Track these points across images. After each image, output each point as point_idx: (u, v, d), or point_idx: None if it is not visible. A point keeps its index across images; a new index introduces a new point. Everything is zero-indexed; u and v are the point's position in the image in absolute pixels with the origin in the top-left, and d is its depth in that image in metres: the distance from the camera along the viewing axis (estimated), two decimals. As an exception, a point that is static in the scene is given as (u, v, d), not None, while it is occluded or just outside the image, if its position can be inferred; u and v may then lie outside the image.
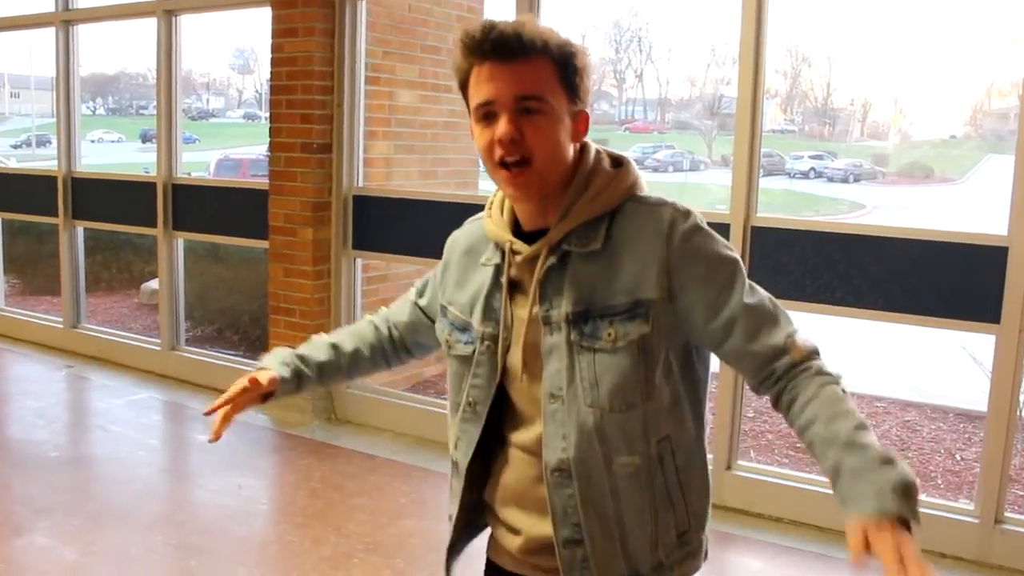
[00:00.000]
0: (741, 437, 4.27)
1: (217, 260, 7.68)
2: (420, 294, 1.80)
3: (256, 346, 6.58)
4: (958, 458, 5.29)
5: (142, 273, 8.87)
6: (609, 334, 1.45)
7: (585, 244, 1.48)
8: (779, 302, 1.51)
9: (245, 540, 3.78)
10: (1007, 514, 3.70)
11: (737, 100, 3.98)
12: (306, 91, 5.02)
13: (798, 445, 5.42)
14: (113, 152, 22.91)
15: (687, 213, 1.49)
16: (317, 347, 1.85)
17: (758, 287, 1.51)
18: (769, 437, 5.57)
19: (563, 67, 1.45)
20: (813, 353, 1.46)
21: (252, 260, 6.96)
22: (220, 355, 6.11)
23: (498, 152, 1.44)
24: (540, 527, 1.53)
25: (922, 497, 4.17)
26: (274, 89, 5.16)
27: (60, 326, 6.74)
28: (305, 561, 3.55)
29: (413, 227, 4.89)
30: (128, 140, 25.49)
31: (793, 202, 18.54)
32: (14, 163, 12.08)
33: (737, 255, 1.52)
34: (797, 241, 3.95)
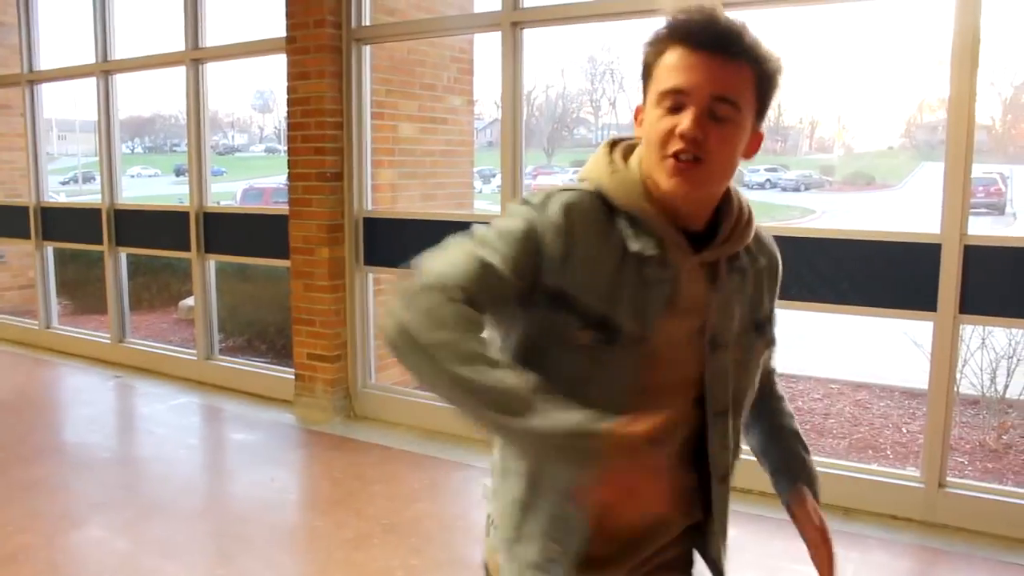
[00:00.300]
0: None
1: (245, 279, 7.65)
2: (510, 267, 1.19)
3: (281, 353, 6.56)
4: (904, 431, 5.29)
5: (179, 292, 8.84)
6: (758, 349, 1.37)
7: (753, 260, 1.33)
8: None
9: (277, 526, 3.76)
10: (949, 479, 3.70)
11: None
12: (319, 127, 5.02)
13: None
14: (150, 185, 22.94)
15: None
16: None
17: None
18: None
19: (763, 82, 1.22)
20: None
21: (275, 277, 6.93)
22: (250, 362, 6.08)
23: (675, 145, 1.18)
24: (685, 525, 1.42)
25: (874, 466, 4.19)
26: (291, 126, 5.15)
27: (108, 341, 6.72)
28: (331, 543, 3.54)
29: (417, 244, 4.80)
30: (163, 174, 25.51)
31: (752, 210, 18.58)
32: (63, 198, 12.04)
33: None
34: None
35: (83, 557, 3.46)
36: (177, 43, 5.83)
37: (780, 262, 1.40)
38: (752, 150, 1.26)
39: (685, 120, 1.16)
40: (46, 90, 7.09)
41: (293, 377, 5.37)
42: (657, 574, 1.39)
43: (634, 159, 1.27)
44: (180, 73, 5.85)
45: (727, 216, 1.28)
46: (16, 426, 5.07)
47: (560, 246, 1.19)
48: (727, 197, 1.29)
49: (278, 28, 5.12)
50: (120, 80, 6.49)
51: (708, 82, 1.16)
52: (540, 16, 4.38)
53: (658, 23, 1.22)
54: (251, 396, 5.67)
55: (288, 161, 5.19)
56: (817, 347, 7.95)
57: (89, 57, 6.43)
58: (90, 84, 6.48)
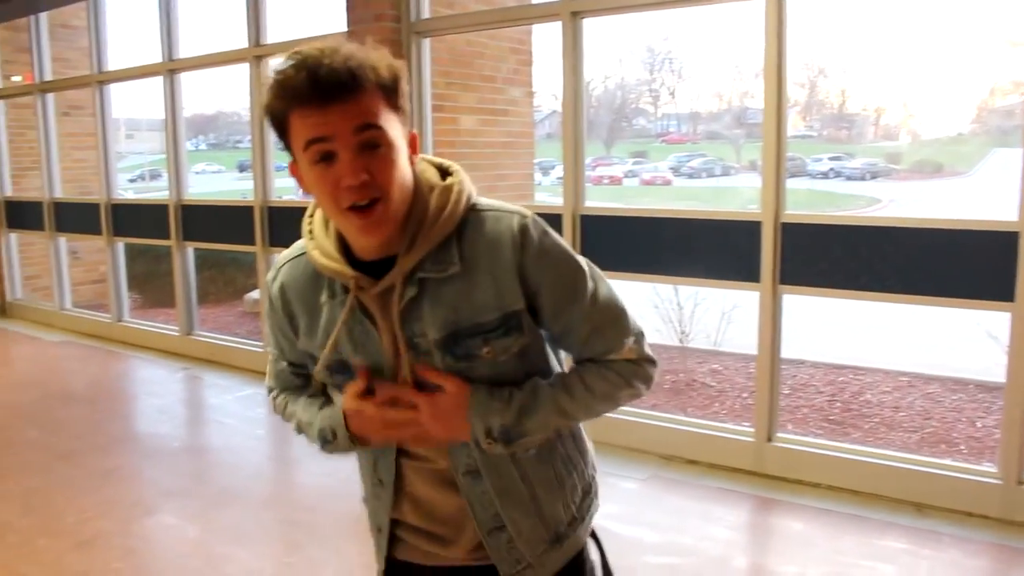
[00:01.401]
0: (779, 412, 4.21)
1: (308, 272, 7.76)
2: (283, 355, 1.51)
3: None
4: (979, 425, 5.15)
5: (245, 286, 9.01)
6: (487, 351, 1.30)
7: (443, 269, 1.27)
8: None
9: (344, 516, 3.81)
10: (1028, 475, 3.60)
11: (763, 110, 3.92)
12: (380, 120, 5.05)
13: (830, 417, 5.33)
14: (215, 181, 23.37)
15: (534, 219, 1.32)
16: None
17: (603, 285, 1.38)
18: (804, 411, 5.47)
19: (386, 90, 1.22)
20: (642, 359, 1.40)
21: (338, 270, 7.01)
22: (314, 354, 6.16)
23: (348, 198, 1.19)
24: (463, 530, 1.43)
25: (947, 461, 4.10)
26: (352, 120, 5.20)
27: (176, 334, 6.88)
28: (396, 532, 3.57)
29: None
30: (227, 170, 25.96)
31: (816, 200, 18.22)
32: (132, 195, 12.35)
33: (583, 261, 1.37)
34: (823, 234, 3.88)
35: (157, 543, 3.55)
36: (240, 41, 5.93)
37: (516, 243, 1.28)
38: (414, 150, 1.28)
39: (343, 170, 1.18)
40: (115, 90, 7.28)
41: (356, 369, 5.42)
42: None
43: (318, 217, 1.37)
44: (243, 70, 5.95)
45: (409, 228, 1.27)
46: (91, 416, 5.23)
47: (287, 321, 1.43)
48: (415, 203, 1.28)
49: (339, 23, 5.18)
50: (185, 79, 6.62)
51: (344, 123, 1.17)
52: (599, 5, 4.34)
53: (276, 80, 1.20)
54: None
55: (350, 155, 5.23)
56: (886, 339, 7.78)
57: (155, 57, 6.59)
58: (156, 83, 6.63)
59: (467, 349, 1.29)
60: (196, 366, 6.43)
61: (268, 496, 4.09)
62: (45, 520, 3.68)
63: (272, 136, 6.19)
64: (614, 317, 1.37)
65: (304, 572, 3.26)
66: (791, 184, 4.11)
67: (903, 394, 5.78)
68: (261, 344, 6.18)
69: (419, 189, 1.29)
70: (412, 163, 1.28)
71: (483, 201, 1.34)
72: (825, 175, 21.99)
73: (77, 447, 4.60)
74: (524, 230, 1.29)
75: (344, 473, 4.31)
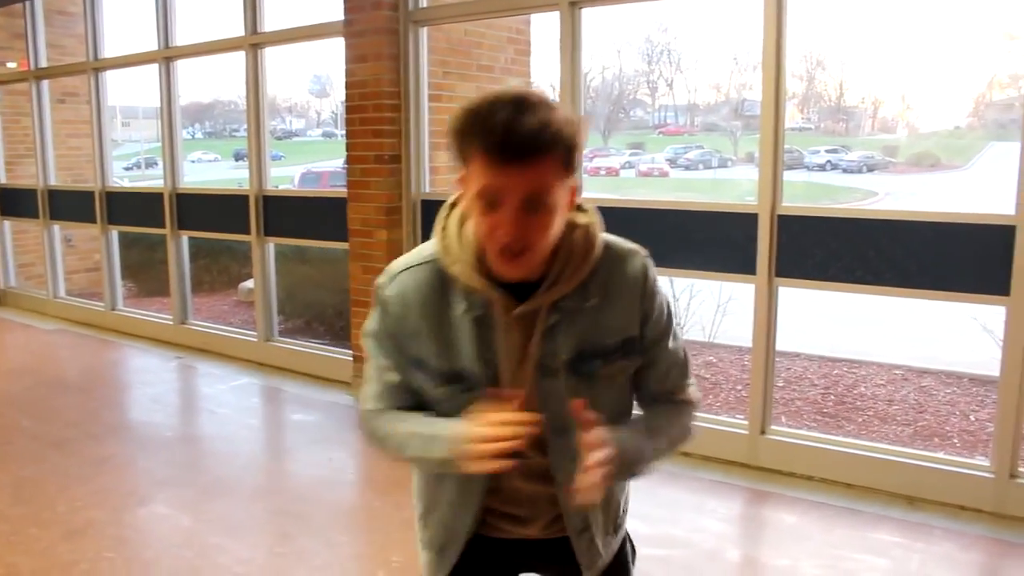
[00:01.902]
0: (773, 404, 4.20)
1: (304, 261, 7.74)
2: (394, 368, 1.48)
3: (340, 335, 6.62)
4: (972, 419, 5.15)
5: (239, 274, 8.98)
6: (607, 371, 1.43)
7: (583, 301, 1.39)
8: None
9: (336, 506, 3.81)
10: (1021, 469, 3.59)
11: (761, 102, 3.90)
12: (377, 109, 5.03)
13: (824, 410, 5.33)
14: (210, 170, 23.34)
15: (648, 257, 1.47)
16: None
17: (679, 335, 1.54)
18: (798, 404, 5.47)
19: (568, 154, 1.28)
20: (695, 401, 1.57)
21: (334, 260, 7.00)
22: (309, 344, 6.16)
23: (500, 241, 1.28)
24: (542, 512, 1.54)
25: (940, 454, 4.10)
26: (348, 109, 5.18)
27: (170, 323, 6.86)
28: (388, 523, 3.57)
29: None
30: (223, 159, 25.91)
31: (813, 192, 18.23)
32: (127, 183, 12.31)
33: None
34: (819, 227, 3.87)
35: (149, 533, 3.54)
36: (237, 29, 5.90)
37: (643, 282, 1.43)
38: (573, 203, 1.36)
39: (503, 223, 1.26)
40: (110, 77, 7.24)
41: (351, 359, 5.42)
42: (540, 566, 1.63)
43: (469, 226, 1.38)
44: (239, 58, 5.92)
45: (556, 263, 1.37)
46: (84, 405, 5.21)
47: (400, 329, 1.42)
48: (561, 246, 1.37)
49: (335, 12, 5.15)
50: (181, 66, 6.59)
51: (518, 186, 1.24)
52: (598, -5, 4.32)
53: (474, 112, 1.26)
54: (310, 377, 5.74)
55: (346, 144, 5.22)
56: (881, 332, 7.79)
57: (151, 44, 6.55)
58: (152, 71, 6.59)
59: (590, 368, 1.41)
60: (190, 355, 6.42)
61: (260, 486, 4.08)
62: (36, 509, 3.67)
63: (268, 125, 6.14)
64: (684, 358, 1.54)
65: (295, 562, 3.25)
66: (788, 176, 4.09)
67: (897, 387, 5.78)
68: (254, 334, 6.17)
69: (570, 225, 1.38)
70: (569, 211, 1.36)
71: (608, 237, 1.45)
72: (822, 167, 21.98)
73: (70, 436, 4.58)
74: (646, 269, 1.45)
75: (338, 463, 4.31)
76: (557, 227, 1.32)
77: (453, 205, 1.45)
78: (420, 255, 1.45)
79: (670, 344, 1.49)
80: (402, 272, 1.44)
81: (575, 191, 1.35)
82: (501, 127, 1.22)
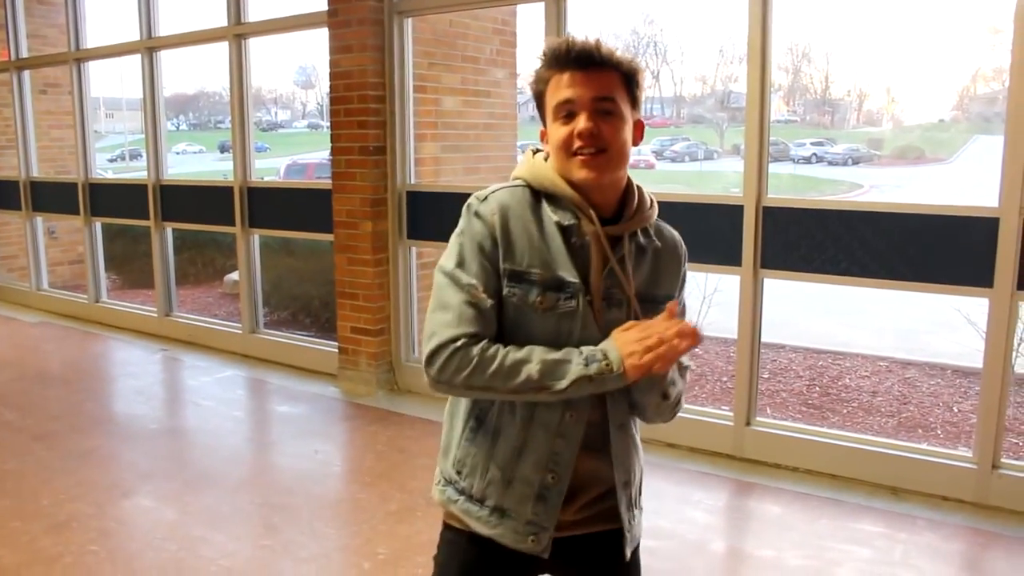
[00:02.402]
0: (758, 396, 4.22)
1: (289, 253, 7.72)
2: (487, 290, 1.48)
3: (326, 327, 6.61)
4: (955, 410, 5.19)
5: (224, 267, 8.94)
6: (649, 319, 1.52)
7: (650, 241, 1.57)
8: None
9: (321, 498, 3.80)
10: (1003, 460, 3.62)
11: (747, 94, 3.90)
12: (361, 100, 5.01)
13: (809, 401, 5.35)
14: (195, 162, 23.18)
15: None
16: None
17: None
18: (783, 395, 5.50)
19: (629, 80, 1.50)
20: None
21: (319, 251, 6.98)
22: (295, 336, 6.14)
23: (576, 144, 1.46)
24: (584, 490, 1.58)
25: (924, 445, 4.13)
26: (333, 100, 5.16)
27: (154, 315, 6.82)
28: (374, 515, 3.57)
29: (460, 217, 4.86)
30: (207, 151, 25.75)
31: (798, 184, 18.26)
32: (111, 175, 12.22)
33: None
34: (804, 219, 3.88)
35: (133, 525, 3.52)
36: (220, 19, 5.85)
37: (683, 252, 1.63)
38: (638, 138, 1.54)
39: (580, 120, 1.46)
40: (93, 68, 7.17)
41: (337, 350, 5.41)
42: (594, 523, 1.61)
43: (550, 162, 1.55)
44: (223, 49, 5.88)
45: (629, 202, 1.55)
46: (68, 398, 5.18)
47: (500, 237, 1.48)
48: (628, 188, 1.56)
49: (320, 2, 5.12)
50: (164, 57, 6.54)
51: (587, 89, 1.46)
52: (584, -14, 4.31)
53: (544, 53, 1.51)
54: (295, 369, 5.72)
55: (331, 135, 5.20)
56: (866, 324, 7.83)
57: (134, 34, 6.49)
58: (135, 62, 6.54)
59: (646, 312, 1.52)
60: (174, 347, 6.38)
61: (245, 479, 4.07)
62: (19, 502, 3.64)
63: (253, 117, 6.10)
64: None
65: (281, 555, 3.24)
66: (774, 168, 4.10)
67: (881, 379, 5.82)
68: (239, 326, 6.14)
69: (630, 179, 1.57)
70: (635, 144, 1.53)
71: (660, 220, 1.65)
72: (808, 160, 22.03)
73: (53, 428, 4.55)
74: (682, 242, 1.65)
75: (323, 455, 4.30)
76: (625, 139, 1.49)
77: (534, 153, 1.60)
78: (504, 184, 1.58)
79: (686, 316, 1.61)
80: (498, 190, 1.55)
81: (641, 128, 1.54)
82: (569, 46, 1.47)
